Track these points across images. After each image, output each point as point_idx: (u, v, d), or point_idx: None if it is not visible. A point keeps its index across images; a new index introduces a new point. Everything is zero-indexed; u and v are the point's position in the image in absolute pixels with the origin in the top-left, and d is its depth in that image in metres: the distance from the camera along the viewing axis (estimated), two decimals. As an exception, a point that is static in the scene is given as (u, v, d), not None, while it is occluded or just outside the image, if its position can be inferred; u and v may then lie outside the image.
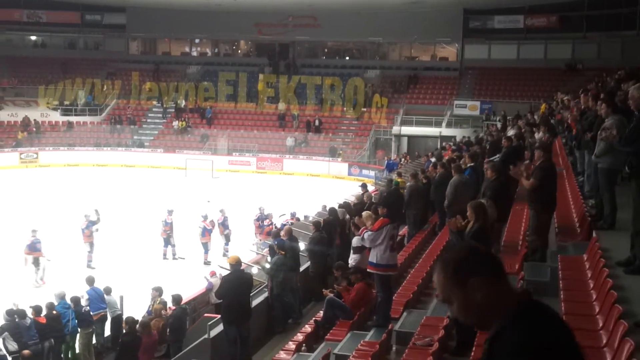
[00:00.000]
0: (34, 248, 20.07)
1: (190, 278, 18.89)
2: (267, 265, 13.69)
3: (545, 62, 48.60)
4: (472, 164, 14.66)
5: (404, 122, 46.15)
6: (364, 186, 19.57)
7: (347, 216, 15.54)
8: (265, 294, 13.12)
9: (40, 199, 33.44)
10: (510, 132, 20.71)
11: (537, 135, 17.37)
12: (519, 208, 12.85)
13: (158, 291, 14.45)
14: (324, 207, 21.28)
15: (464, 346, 7.68)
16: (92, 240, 21.82)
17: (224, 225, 23.17)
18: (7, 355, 12.53)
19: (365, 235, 10.13)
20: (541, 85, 46.46)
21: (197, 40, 59.17)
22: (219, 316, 11.81)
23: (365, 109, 48.15)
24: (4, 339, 12.73)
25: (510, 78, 49.21)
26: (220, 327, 11.38)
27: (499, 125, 30.96)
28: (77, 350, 14.31)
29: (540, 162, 9.52)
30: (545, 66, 48.12)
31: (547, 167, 9.51)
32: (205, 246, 22.59)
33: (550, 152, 10.98)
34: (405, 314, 9.89)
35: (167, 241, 22.98)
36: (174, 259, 22.88)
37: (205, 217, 22.91)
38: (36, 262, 20.05)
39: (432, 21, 49.79)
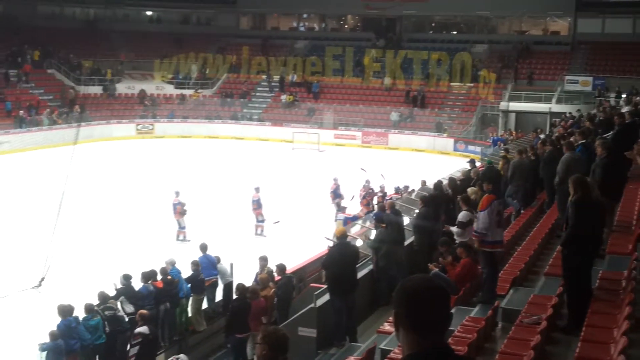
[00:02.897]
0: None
1: (299, 249, 19.31)
2: (371, 238, 13.87)
3: (663, 37, 46.35)
4: (583, 141, 14.30)
5: (512, 98, 45.07)
6: (472, 162, 19.41)
7: (450, 191, 15.55)
8: (371, 267, 13.31)
9: (157, 168, 34.87)
10: (625, 109, 20.00)
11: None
12: (632, 187, 12.48)
13: (264, 260, 14.86)
14: (424, 182, 21.28)
15: (575, 325, 7.63)
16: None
17: (335, 193, 23.41)
18: (125, 316, 13.23)
19: (481, 223, 10.03)
20: (658, 61, 44.38)
21: (305, 15, 59.61)
22: (325, 286, 12.06)
23: (472, 84, 47.38)
24: (121, 302, 13.41)
25: (625, 53, 47.00)
26: (326, 297, 11.60)
27: (612, 101, 29.86)
28: (190, 314, 14.98)
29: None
30: (663, 41, 45.88)
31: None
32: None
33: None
34: (511, 291, 9.85)
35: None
36: (258, 234, 23.12)
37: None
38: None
39: (543, -6, 48.36)
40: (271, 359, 5.25)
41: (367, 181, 24.28)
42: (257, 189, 23.24)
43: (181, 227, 22.29)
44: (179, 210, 22.24)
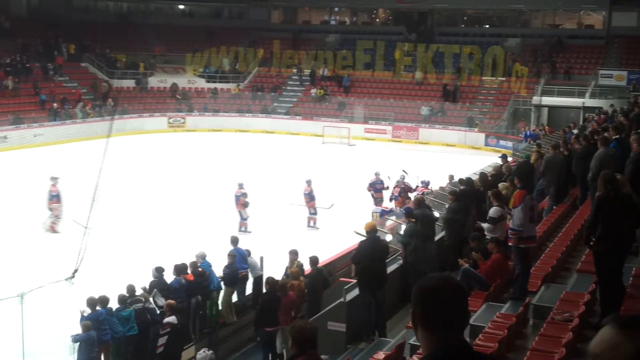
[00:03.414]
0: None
1: (328, 243, 19.35)
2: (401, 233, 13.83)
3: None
4: (617, 137, 14.10)
5: (544, 92, 44.59)
6: (503, 157, 19.29)
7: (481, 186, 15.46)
8: (400, 262, 13.28)
9: (189, 161, 35.15)
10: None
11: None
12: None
13: (295, 254, 14.89)
14: (451, 177, 21.15)
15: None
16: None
17: (374, 187, 23.40)
18: (157, 309, 13.36)
19: (516, 219, 9.94)
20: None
21: (336, 9, 59.50)
22: (355, 281, 12.07)
23: (504, 78, 46.97)
24: (154, 295, 13.54)
25: (661, 47, 46.31)
26: (356, 292, 11.61)
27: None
28: (220, 307, 15.07)
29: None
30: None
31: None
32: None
33: None
34: (543, 287, 9.77)
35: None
36: (310, 226, 23.28)
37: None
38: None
39: (578, -13, 47.75)
40: (300, 353, 5.27)
41: (402, 177, 24.11)
42: (308, 182, 23.38)
43: (243, 219, 22.51)
44: (242, 202, 22.45)
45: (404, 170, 22.78)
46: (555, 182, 15.42)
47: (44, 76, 46.33)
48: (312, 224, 23.31)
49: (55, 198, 22.19)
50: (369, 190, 23.53)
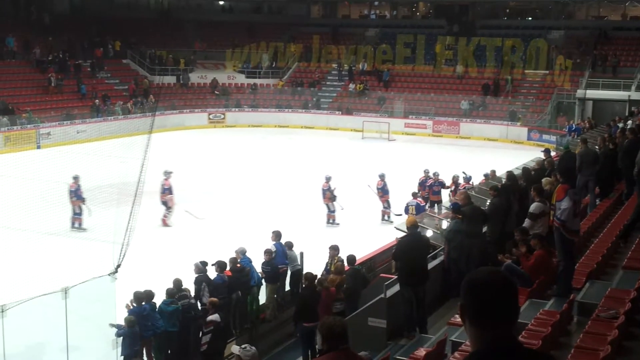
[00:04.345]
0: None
1: (369, 239, 19.27)
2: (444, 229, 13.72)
3: None
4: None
5: (589, 85, 43.81)
6: (546, 151, 18.98)
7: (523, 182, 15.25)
8: (442, 258, 13.16)
9: (229, 157, 35.39)
10: None
11: None
12: None
13: (335, 250, 14.87)
14: (493, 172, 20.87)
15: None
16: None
17: (422, 185, 23.24)
18: (198, 304, 13.42)
19: (559, 214, 9.78)
20: None
21: (376, 3, 59.30)
22: (395, 277, 12.00)
23: (547, 72, 46.29)
24: (202, 291, 13.57)
25: None
26: (396, 288, 11.54)
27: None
28: (260, 303, 15.09)
29: None
30: None
31: None
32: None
33: None
34: (587, 284, 9.59)
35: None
36: (385, 220, 23.27)
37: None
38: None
39: (624, -23, 46.82)
40: (331, 349, 5.28)
41: (435, 174, 23.77)
42: (381, 176, 23.40)
43: (331, 211, 22.92)
44: (329, 196, 22.80)
45: (464, 172, 22.45)
46: (585, 176, 15.09)
47: (87, 73, 46.98)
48: (386, 218, 23.37)
49: (167, 191, 22.72)
50: (420, 189, 23.22)
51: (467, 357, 2.65)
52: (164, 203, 22.76)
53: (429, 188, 22.88)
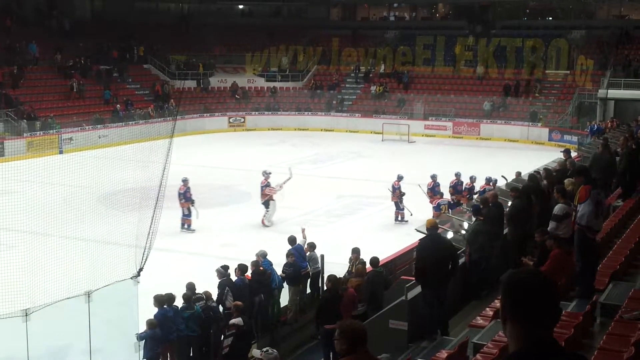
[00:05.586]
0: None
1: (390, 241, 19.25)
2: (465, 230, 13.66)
3: None
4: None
5: (611, 85, 43.41)
6: (566, 152, 18.81)
7: (545, 182, 15.14)
8: (463, 259, 13.10)
9: (249, 160, 35.51)
10: None
11: None
12: None
13: (356, 252, 14.85)
14: (518, 173, 20.72)
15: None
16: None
17: (455, 188, 23.18)
18: (220, 307, 13.45)
19: (579, 219, 9.72)
20: None
21: (395, 5, 59.22)
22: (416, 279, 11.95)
23: (568, 72, 45.96)
24: (225, 295, 13.60)
25: None
26: (417, 290, 11.50)
27: None
28: (281, 305, 15.11)
29: None
30: None
31: None
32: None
33: None
34: (610, 285, 9.52)
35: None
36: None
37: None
38: None
39: (646, -25, 46.37)
40: (350, 352, 5.27)
41: (472, 177, 23.54)
42: (433, 177, 23.35)
43: (400, 209, 23.31)
44: (398, 194, 23.16)
45: (503, 176, 22.24)
46: (603, 179, 14.98)
47: (110, 78, 47.33)
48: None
49: (265, 188, 22.88)
50: (451, 192, 23.11)
51: (508, 357, 2.67)
52: (265, 204, 22.93)
53: (466, 191, 22.78)
